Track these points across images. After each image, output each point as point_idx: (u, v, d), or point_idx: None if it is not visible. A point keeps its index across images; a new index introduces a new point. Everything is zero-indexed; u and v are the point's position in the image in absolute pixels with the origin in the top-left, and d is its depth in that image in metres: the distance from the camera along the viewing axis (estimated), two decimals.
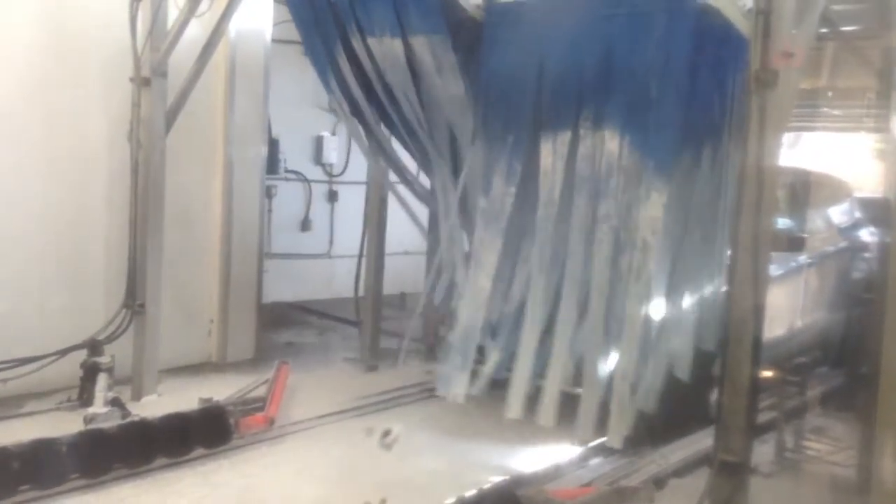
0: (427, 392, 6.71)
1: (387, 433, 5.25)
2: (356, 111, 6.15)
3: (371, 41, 5.65)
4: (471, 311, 5.37)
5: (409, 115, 5.86)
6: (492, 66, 5.64)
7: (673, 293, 5.10)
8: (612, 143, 5.15)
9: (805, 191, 6.53)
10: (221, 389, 5.72)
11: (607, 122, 5.17)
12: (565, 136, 5.31)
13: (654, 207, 4.90)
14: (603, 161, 5.17)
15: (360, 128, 6.32)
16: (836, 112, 8.60)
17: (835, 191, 7.72)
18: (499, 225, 5.46)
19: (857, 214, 8.01)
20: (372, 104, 6.06)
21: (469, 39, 5.64)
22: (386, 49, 5.60)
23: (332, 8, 5.73)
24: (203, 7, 6.07)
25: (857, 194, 8.21)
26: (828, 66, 7.58)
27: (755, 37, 3.92)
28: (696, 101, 5.05)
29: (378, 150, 6.47)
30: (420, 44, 5.49)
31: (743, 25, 4.07)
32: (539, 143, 5.39)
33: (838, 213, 7.67)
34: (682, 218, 5.12)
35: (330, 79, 6.02)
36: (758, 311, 3.99)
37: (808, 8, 4.27)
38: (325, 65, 5.99)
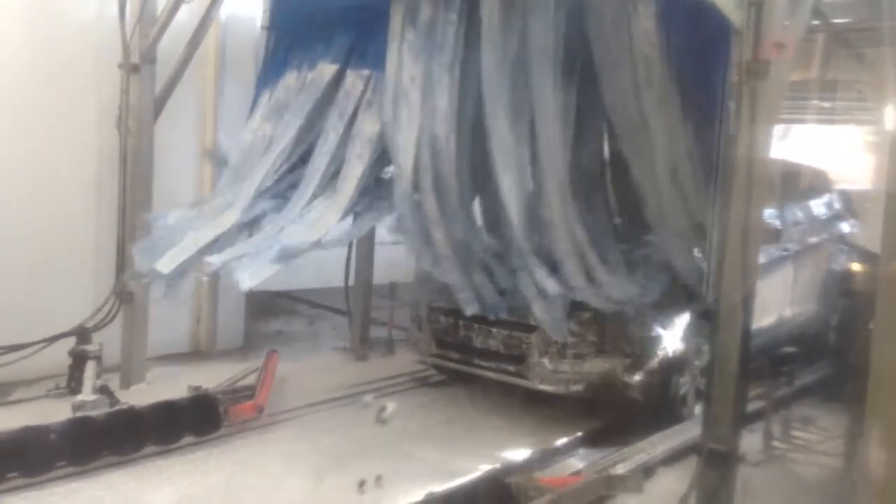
0: (418, 381, 6.74)
1: (383, 409, 5.29)
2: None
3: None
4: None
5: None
6: None
7: None
8: None
9: (781, 181, 6.52)
10: (211, 378, 5.71)
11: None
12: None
13: (644, 19, 4.81)
14: None
15: None
16: (826, 104, 8.64)
17: (813, 182, 7.68)
18: None
19: (837, 206, 8.01)
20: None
21: None
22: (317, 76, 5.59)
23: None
24: None
25: (841, 186, 8.22)
26: (818, 58, 7.61)
27: (747, 27, 3.92)
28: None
29: None
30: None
31: (734, 15, 4.05)
32: None
33: (817, 205, 7.65)
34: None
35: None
36: (747, 301, 4.01)
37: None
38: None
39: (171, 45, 6.14)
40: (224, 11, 6.78)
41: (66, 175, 6.26)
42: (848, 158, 9.39)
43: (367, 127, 5.39)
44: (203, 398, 5.23)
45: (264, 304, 8.83)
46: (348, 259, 7.63)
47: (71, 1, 6.16)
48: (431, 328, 6.19)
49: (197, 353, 7.25)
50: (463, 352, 5.98)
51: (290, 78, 5.81)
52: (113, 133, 6.11)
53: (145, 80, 6.06)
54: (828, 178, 8.00)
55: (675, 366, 5.66)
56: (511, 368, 5.72)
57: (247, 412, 5.36)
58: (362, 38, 5.54)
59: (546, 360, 5.57)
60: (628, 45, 4.91)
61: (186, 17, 6.16)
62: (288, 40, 5.96)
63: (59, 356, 5.73)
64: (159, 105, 6.21)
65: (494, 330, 5.75)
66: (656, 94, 4.91)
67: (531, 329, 5.59)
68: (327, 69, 5.60)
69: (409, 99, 5.17)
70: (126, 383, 6.07)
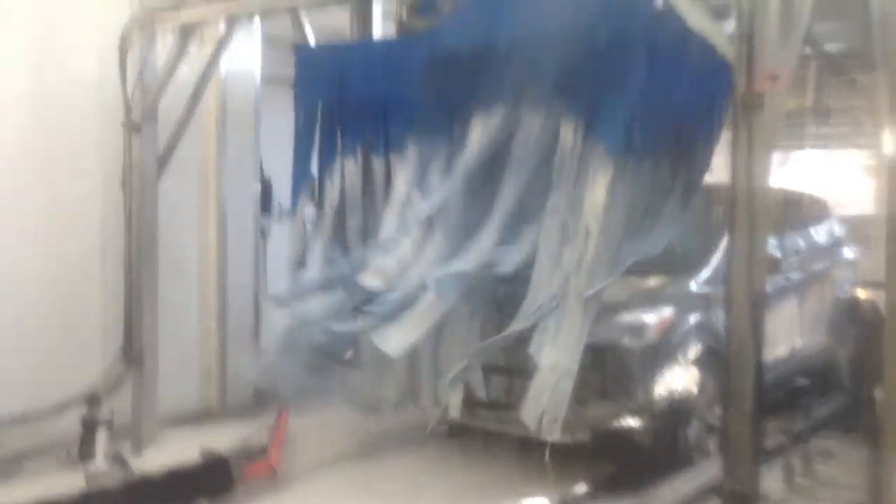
0: (431, 433, 6.62)
1: None
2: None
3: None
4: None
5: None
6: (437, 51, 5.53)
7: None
8: (567, 134, 5.01)
9: (779, 210, 6.47)
10: (222, 438, 5.65)
11: (564, 113, 5.05)
12: (497, 117, 5.22)
13: (598, 191, 4.79)
14: (557, 153, 5.03)
15: None
16: (824, 130, 8.68)
17: (812, 209, 7.59)
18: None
19: (838, 233, 7.94)
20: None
21: None
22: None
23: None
24: (193, 51, 6.11)
25: (842, 212, 8.18)
26: (813, 86, 7.66)
27: (739, 61, 3.95)
28: (663, 100, 4.92)
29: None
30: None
31: (727, 50, 4.09)
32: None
33: (817, 233, 7.55)
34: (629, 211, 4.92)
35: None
36: (757, 333, 3.97)
37: (790, 30, 4.31)
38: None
39: (172, 102, 6.21)
40: (223, 66, 6.86)
41: (71, 235, 6.29)
42: (848, 183, 9.40)
43: None
44: (216, 461, 5.17)
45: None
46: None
47: (72, 61, 6.24)
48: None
49: (208, 413, 7.18)
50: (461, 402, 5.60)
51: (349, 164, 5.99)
52: (117, 192, 6.15)
53: (147, 139, 6.11)
54: (826, 204, 7.95)
55: (682, 406, 5.47)
56: (511, 418, 5.31)
57: (260, 473, 5.30)
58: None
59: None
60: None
61: (187, 75, 6.24)
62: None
63: (69, 423, 5.68)
64: (162, 162, 6.25)
65: (493, 378, 5.50)
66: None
67: (530, 376, 5.29)
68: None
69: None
70: (138, 448, 6.02)
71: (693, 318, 5.61)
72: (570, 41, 4.99)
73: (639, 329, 5.35)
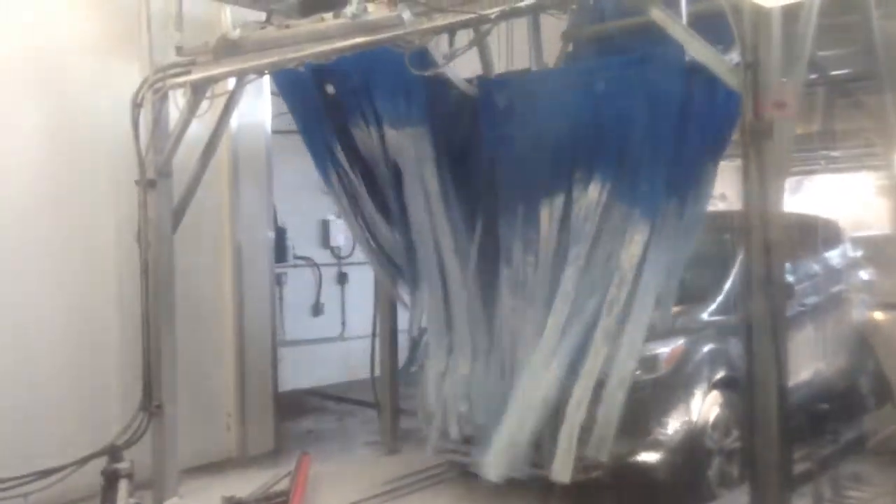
0: (453, 472, 6.58)
1: None
2: (354, 205, 6.43)
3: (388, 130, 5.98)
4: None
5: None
6: (491, 139, 5.76)
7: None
8: (593, 192, 5.30)
9: (790, 234, 6.42)
10: (243, 486, 5.64)
11: (594, 176, 5.33)
12: (560, 199, 5.47)
13: (634, 246, 5.05)
14: (581, 210, 5.33)
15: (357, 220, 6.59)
16: (835, 154, 8.68)
17: (824, 232, 7.46)
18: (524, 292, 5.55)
19: (852, 255, 7.86)
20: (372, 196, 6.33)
21: (452, 130, 5.92)
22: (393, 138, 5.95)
23: (329, 101, 5.98)
24: (203, 107, 6.20)
25: (856, 234, 8.10)
26: (821, 110, 7.68)
27: (745, 89, 3.98)
28: (686, 151, 5.11)
29: (368, 245, 6.70)
30: (406, 136, 5.84)
31: (731, 80, 4.12)
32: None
33: (831, 256, 7.48)
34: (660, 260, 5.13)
35: (330, 173, 6.31)
36: (780, 359, 3.93)
37: (795, 56, 4.35)
38: (324, 158, 6.23)
39: (185, 157, 6.29)
40: (235, 120, 6.96)
41: (89, 291, 6.34)
42: (862, 205, 9.35)
43: None
44: None
45: (293, 404, 8.77)
46: (373, 350, 7.61)
47: (85, 122, 6.36)
48: (438, 419, 5.89)
49: (229, 461, 7.15)
50: (472, 443, 5.67)
51: None
52: (132, 246, 6.20)
53: (162, 194, 6.18)
54: (839, 227, 7.89)
55: (699, 438, 5.38)
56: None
57: None
58: None
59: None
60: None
61: (199, 130, 6.32)
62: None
63: (91, 476, 5.67)
64: (177, 216, 6.31)
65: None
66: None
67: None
68: None
69: None
70: (159, 499, 5.98)
71: (706, 348, 5.57)
72: (608, 115, 5.30)
73: (650, 361, 5.28)
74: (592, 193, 5.28)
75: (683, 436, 5.27)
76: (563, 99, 5.51)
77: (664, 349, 5.35)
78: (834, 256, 7.53)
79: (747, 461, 3.99)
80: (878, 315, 7.45)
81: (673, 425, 5.27)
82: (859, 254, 7.93)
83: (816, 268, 7.08)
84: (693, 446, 5.33)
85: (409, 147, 5.90)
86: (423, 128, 5.84)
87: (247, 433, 7.30)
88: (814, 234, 7.33)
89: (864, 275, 7.83)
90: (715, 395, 5.48)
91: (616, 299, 5.04)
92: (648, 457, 5.20)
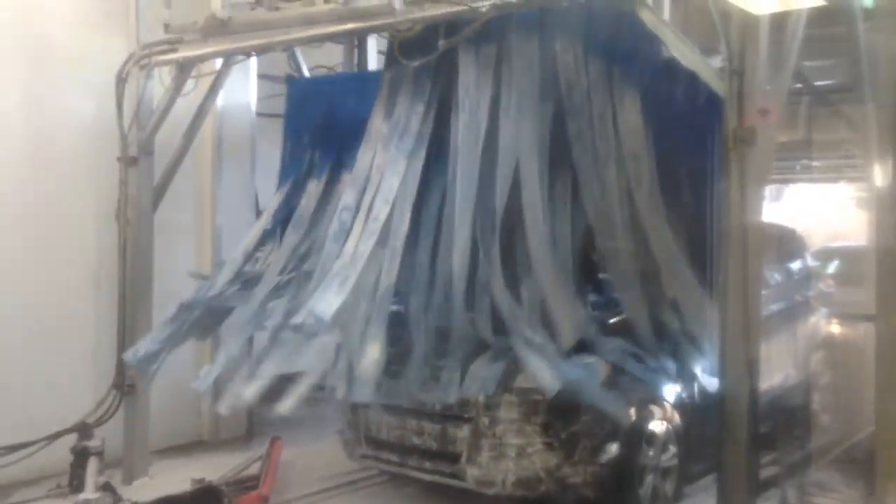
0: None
1: None
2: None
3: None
4: None
5: None
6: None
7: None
8: (564, 55, 5.04)
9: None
10: (214, 468, 5.63)
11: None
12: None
13: (631, 114, 4.87)
14: (558, 75, 5.05)
15: None
16: (815, 163, 8.78)
17: (784, 242, 7.25)
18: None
19: (811, 266, 7.87)
20: None
21: None
22: None
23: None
24: (189, 86, 6.16)
25: (831, 245, 8.08)
26: (804, 119, 7.75)
27: (730, 96, 4.03)
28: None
29: None
30: None
31: (717, 85, 4.16)
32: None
33: (790, 266, 7.30)
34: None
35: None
36: (752, 366, 3.99)
37: (780, 65, 4.39)
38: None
39: (168, 135, 6.25)
40: (220, 101, 6.91)
41: (66, 267, 6.29)
42: (839, 215, 9.46)
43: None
44: (206, 491, 5.14)
45: (267, 388, 8.72)
46: None
47: (69, 96, 6.30)
48: (359, 425, 5.47)
49: (200, 443, 7.14)
50: (393, 451, 5.27)
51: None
52: (111, 223, 6.16)
53: (143, 172, 6.14)
54: (799, 236, 7.74)
55: (632, 456, 4.86)
56: (446, 469, 4.96)
57: (252, 503, 5.25)
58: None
59: (483, 458, 4.79)
60: (614, 143, 4.94)
61: (183, 109, 6.29)
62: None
63: (60, 453, 5.65)
64: (158, 195, 6.28)
65: (427, 425, 5.04)
66: (646, 193, 4.88)
67: (466, 420, 4.86)
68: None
69: (370, 185, 5.30)
70: (129, 478, 5.97)
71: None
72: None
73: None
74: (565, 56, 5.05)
75: (615, 452, 4.81)
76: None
77: (599, 359, 4.88)
78: (792, 267, 7.34)
79: (717, 464, 4.04)
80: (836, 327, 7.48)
81: (606, 441, 4.80)
82: (820, 265, 7.89)
83: (777, 277, 6.99)
84: (625, 463, 4.85)
85: None
86: None
87: (219, 417, 7.25)
88: (772, 244, 7.24)
89: (824, 287, 7.83)
90: (651, 409, 5.01)
91: (640, 174, 4.86)
92: (576, 473, 4.74)
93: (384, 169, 5.28)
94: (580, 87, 5.02)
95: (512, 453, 4.72)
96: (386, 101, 5.48)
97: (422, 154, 5.29)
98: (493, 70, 5.13)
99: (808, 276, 7.56)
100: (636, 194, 4.91)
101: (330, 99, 6.33)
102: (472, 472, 4.82)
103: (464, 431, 4.87)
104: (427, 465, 5.07)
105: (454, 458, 4.92)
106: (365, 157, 5.44)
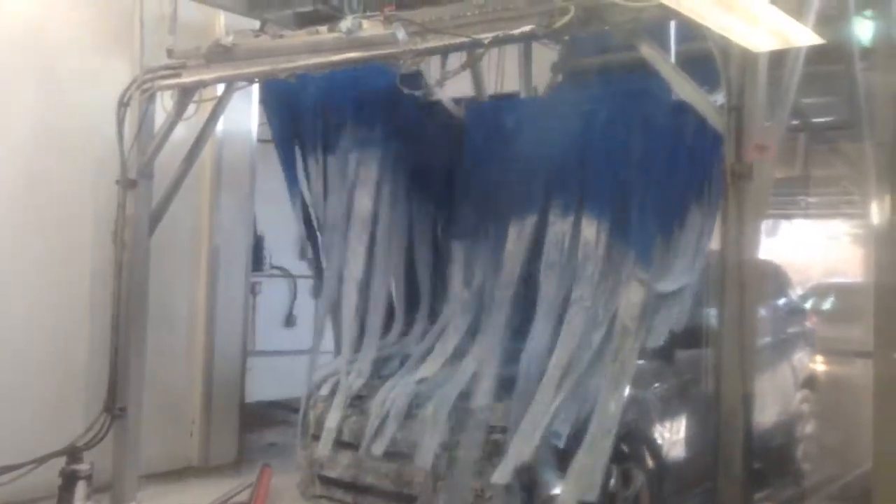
0: None
1: None
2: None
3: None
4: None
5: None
6: (476, 159, 5.80)
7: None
8: (588, 231, 5.32)
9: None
10: (203, 495, 5.57)
11: (584, 211, 5.36)
12: (531, 221, 5.53)
13: (635, 294, 4.96)
14: (579, 248, 5.33)
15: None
16: (812, 199, 8.83)
17: (768, 279, 7.05)
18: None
19: (797, 302, 7.80)
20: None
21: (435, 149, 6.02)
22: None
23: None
24: (190, 111, 6.19)
25: (826, 280, 8.04)
26: (801, 156, 7.81)
27: (728, 132, 4.05)
28: (673, 191, 5.16)
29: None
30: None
31: (716, 121, 4.19)
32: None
33: (776, 302, 7.29)
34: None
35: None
36: (747, 401, 3.96)
37: (778, 102, 4.43)
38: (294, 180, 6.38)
39: (168, 159, 6.26)
40: (220, 126, 6.92)
41: (60, 288, 6.26)
42: (835, 251, 9.49)
43: None
44: None
45: (258, 415, 8.68)
46: None
47: (72, 117, 6.31)
48: (313, 463, 5.28)
49: (190, 469, 7.06)
50: (348, 491, 5.09)
51: None
52: (109, 246, 6.14)
53: (142, 195, 6.14)
54: (783, 272, 7.71)
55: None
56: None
57: None
58: None
59: (439, 501, 4.64)
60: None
61: (184, 133, 6.30)
62: None
63: (48, 476, 5.57)
64: (155, 218, 6.27)
65: (382, 465, 4.89)
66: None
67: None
68: None
69: None
70: (117, 503, 5.89)
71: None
72: (595, 147, 5.36)
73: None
74: (587, 232, 5.30)
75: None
76: (553, 125, 5.55)
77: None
78: (777, 304, 7.27)
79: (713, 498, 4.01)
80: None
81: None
82: (806, 301, 7.82)
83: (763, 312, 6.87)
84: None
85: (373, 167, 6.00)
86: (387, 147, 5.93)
87: (210, 442, 7.21)
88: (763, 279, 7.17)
89: (808, 324, 7.78)
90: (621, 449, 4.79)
91: (621, 347, 4.81)
92: None
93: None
94: None
95: (469, 497, 4.55)
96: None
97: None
98: None
99: (792, 312, 7.52)
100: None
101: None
102: None
103: (420, 473, 4.71)
104: None
105: (410, 501, 4.78)
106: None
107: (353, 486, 5.04)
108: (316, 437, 5.27)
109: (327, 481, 5.20)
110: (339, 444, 5.02)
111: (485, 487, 4.51)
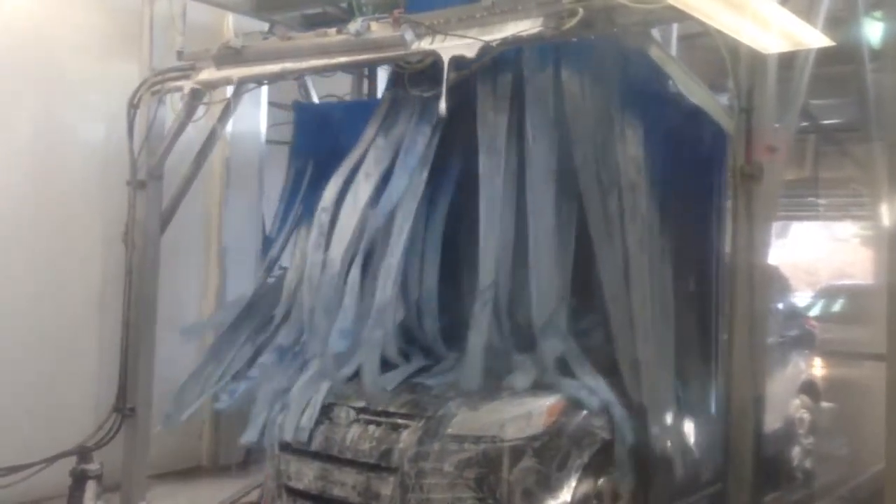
0: None
1: None
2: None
3: None
4: None
5: None
6: None
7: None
8: (571, 85, 5.05)
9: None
10: (212, 495, 5.59)
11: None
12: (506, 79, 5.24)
13: (632, 145, 4.81)
14: (565, 105, 5.05)
15: None
16: (821, 201, 8.81)
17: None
18: None
19: (795, 305, 7.73)
20: None
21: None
22: None
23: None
24: (199, 112, 6.20)
25: (835, 282, 7.98)
26: (811, 157, 7.80)
27: (738, 133, 4.04)
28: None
29: None
30: None
31: (726, 122, 4.18)
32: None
33: (773, 306, 7.31)
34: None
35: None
36: (758, 403, 3.96)
37: (788, 103, 4.42)
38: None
39: (177, 160, 6.29)
40: (230, 127, 6.93)
41: (70, 289, 6.29)
42: (844, 253, 9.46)
43: None
44: None
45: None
46: None
47: (82, 118, 6.37)
48: (279, 474, 4.92)
49: (199, 469, 7.08)
50: (315, 502, 4.76)
51: None
52: (118, 247, 6.17)
53: (152, 196, 6.16)
54: (783, 275, 7.48)
55: None
56: None
57: None
58: None
59: None
60: (616, 171, 4.90)
61: (193, 135, 6.32)
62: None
63: (59, 476, 5.60)
64: (165, 219, 6.30)
65: (350, 476, 4.58)
66: (639, 230, 4.76)
67: (392, 471, 4.38)
68: None
69: (353, 189, 5.37)
70: (126, 503, 5.92)
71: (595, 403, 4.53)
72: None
73: (523, 417, 4.34)
74: (570, 86, 5.09)
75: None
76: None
77: (542, 403, 4.42)
78: (774, 307, 7.27)
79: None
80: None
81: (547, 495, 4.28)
82: (814, 305, 7.75)
83: None
84: None
85: None
86: None
87: (219, 442, 7.22)
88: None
89: (807, 327, 7.72)
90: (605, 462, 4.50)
91: (635, 204, 4.78)
92: None
93: (373, 177, 5.37)
94: (585, 116, 5.04)
95: None
96: (384, 117, 5.56)
97: (424, 174, 5.34)
98: (509, 99, 5.18)
99: (789, 315, 7.45)
100: (630, 226, 4.81)
101: (337, 125, 6.40)
102: None
103: (388, 485, 4.39)
104: None
105: None
106: (350, 160, 5.53)
107: (319, 499, 4.74)
108: (283, 448, 4.91)
109: (293, 492, 4.88)
110: (306, 454, 4.77)
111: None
